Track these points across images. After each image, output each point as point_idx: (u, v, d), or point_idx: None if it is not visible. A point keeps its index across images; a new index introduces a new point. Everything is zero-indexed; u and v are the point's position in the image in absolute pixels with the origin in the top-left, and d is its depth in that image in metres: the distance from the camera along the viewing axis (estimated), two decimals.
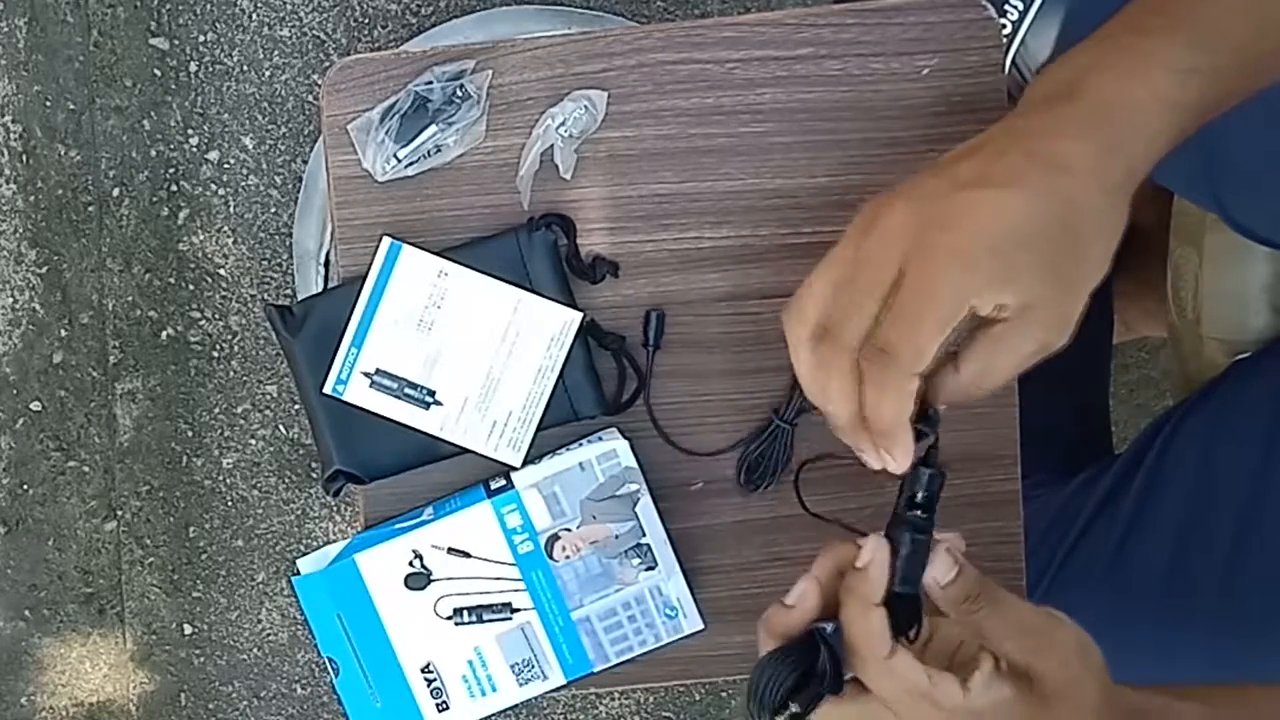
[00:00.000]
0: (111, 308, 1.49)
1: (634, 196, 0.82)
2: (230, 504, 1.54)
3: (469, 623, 0.81)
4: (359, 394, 0.81)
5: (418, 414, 0.81)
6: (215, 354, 1.50)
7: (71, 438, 1.53)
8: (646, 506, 0.80)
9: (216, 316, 1.50)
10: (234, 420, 1.52)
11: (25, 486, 1.54)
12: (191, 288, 1.49)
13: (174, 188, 1.47)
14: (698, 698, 1.59)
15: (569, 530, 0.80)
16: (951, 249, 0.60)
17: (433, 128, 0.80)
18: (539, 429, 0.81)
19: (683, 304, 0.83)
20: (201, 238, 1.48)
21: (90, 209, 1.48)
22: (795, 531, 0.84)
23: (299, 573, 0.82)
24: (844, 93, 0.81)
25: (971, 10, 0.80)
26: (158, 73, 1.45)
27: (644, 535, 0.80)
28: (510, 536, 0.80)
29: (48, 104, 1.46)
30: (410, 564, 0.80)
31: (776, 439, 0.82)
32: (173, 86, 1.45)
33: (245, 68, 1.45)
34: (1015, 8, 0.88)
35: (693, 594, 0.81)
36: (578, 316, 0.80)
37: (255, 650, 1.59)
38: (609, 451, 0.79)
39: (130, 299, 1.49)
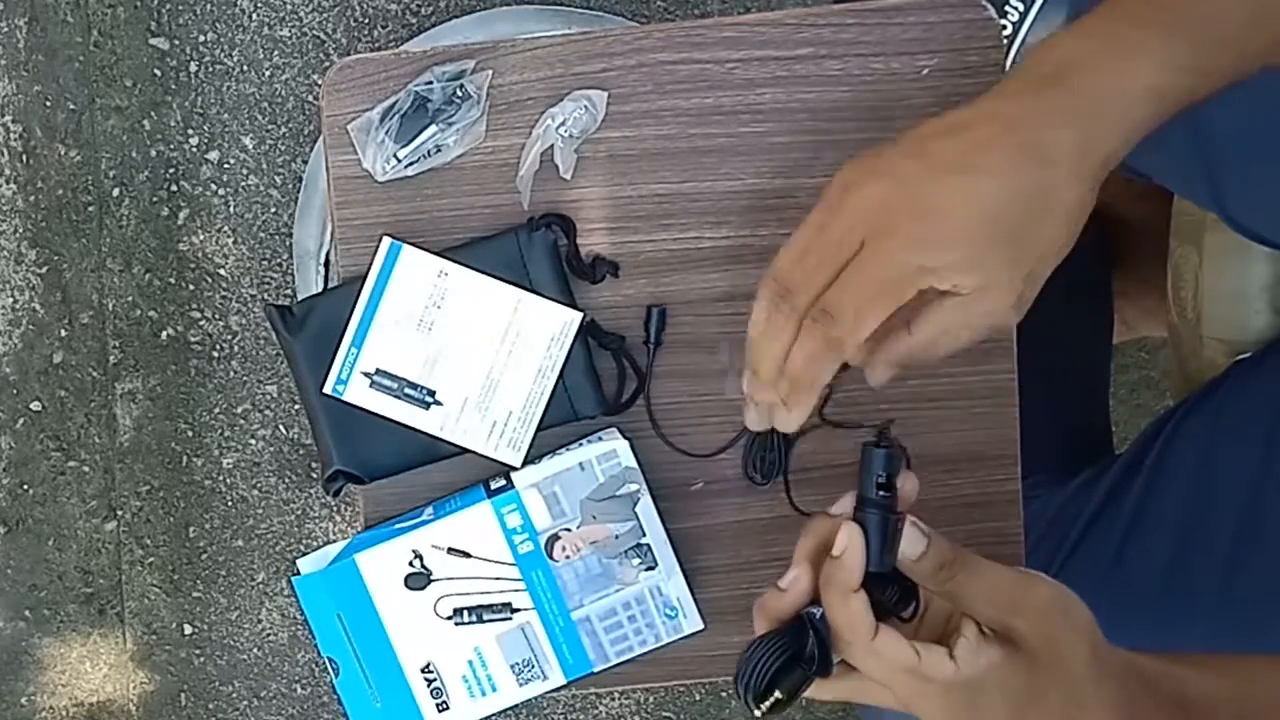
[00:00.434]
0: (111, 308, 1.49)
1: (634, 196, 0.82)
2: (230, 504, 1.54)
3: (469, 623, 0.81)
4: (359, 394, 0.81)
5: (418, 414, 0.81)
6: (215, 354, 1.50)
7: (71, 438, 1.53)
8: (646, 506, 0.80)
9: (216, 316, 1.49)
10: (234, 420, 1.52)
11: (25, 486, 1.54)
12: (191, 288, 1.49)
13: (174, 188, 1.47)
14: (698, 698, 1.59)
15: (569, 530, 0.80)
16: (916, 236, 0.62)
17: (433, 128, 0.80)
18: (539, 429, 0.81)
19: (683, 304, 0.83)
20: (201, 238, 1.48)
21: (90, 209, 1.48)
22: (795, 531, 0.83)
23: (299, 573, 0.82)
24: (844, 93, 0.81)
25: (971, 10, 0.80)
26: (158, 73, 1.45)
27: (644, 535, 0.80)
28: (510, 536, 0.80)
29: (48, 104, 1.46)
30: (410, 564, 0.80)
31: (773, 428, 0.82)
32: (173, 86, 1.45)
33: (245, 68, 1.45)
34: (1016, 8, 0.88)
35: (693, 594, 0.81)
36: (578, 316, 0.80)
37: (255, 650, 1.58)
38: (609, 451, 0.79)
39: (130, 299, 1.49)
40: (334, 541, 0.84)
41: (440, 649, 0.81)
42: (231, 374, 1.51)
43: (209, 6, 1.44)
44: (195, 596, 1.57)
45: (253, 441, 1.53)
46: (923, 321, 0.66)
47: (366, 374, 0.81)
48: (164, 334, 1.50)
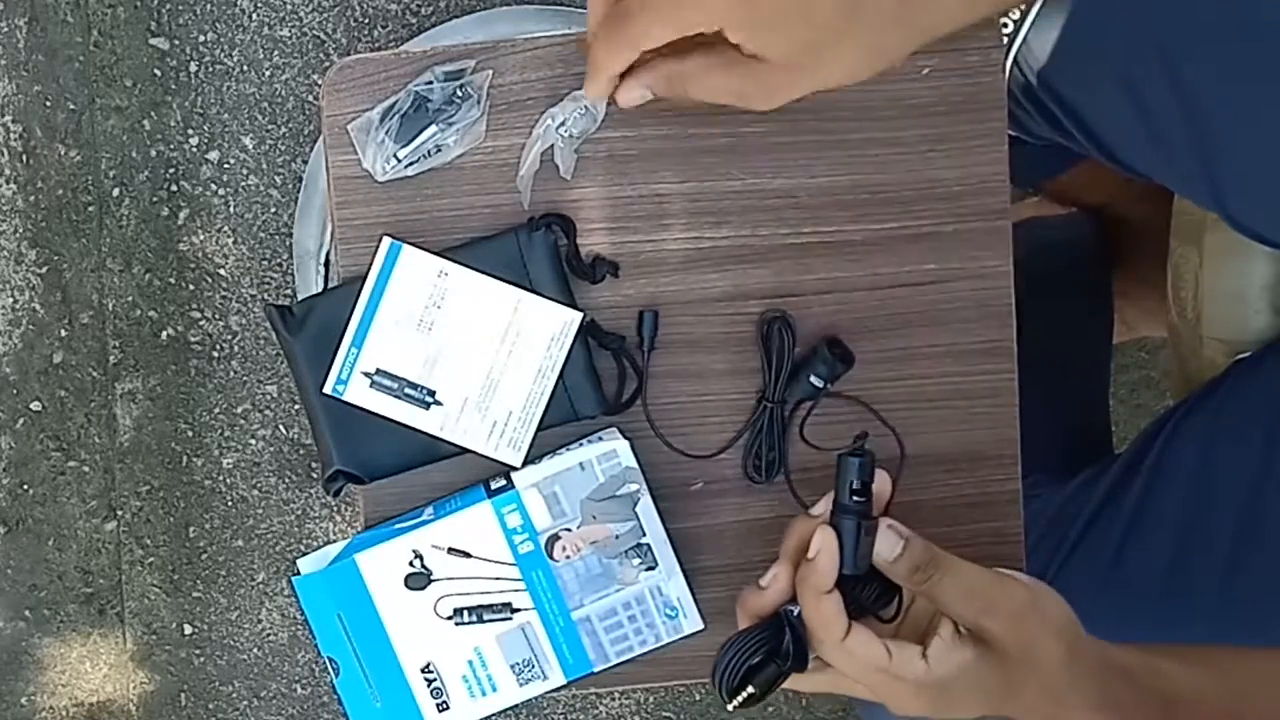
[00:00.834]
0: (111, 308, 1.49)
1: (634, 196, 0.82)
2: (230, 504, 1.54)
3: (469, 623, 0.81)
4: (359, 394, 0.81)
5: (418, 414, 0.81)
6: (215, 354, 1.50)
7: (71, 438, 1.53)
8: (646, 506, 0.80)
9: (216, 316, 1.49)
10: (234, 420, 1.52)
11: (25, 486, 1.54)
12: (191, 288, 1.49)
13: (174, 188, 1.47)
14: (698, 698, 1.59)
15: (569, 530, 0.80)
16: None
17: (433, 128, 0.80)
18: (539, 429, 0.81)
19: (682, 304, 0.83)
20: (201, 238, 1.48)
21: (90, 209, 1.48)
22: None
23: (299, 573, 0.81)
24: (844, 92, 0.81)
25: None
26: (158, 73, 1.45)
27: (644, 535, 0.80)
28: (510, 536, 0.80)
29: (48, 104, 1.46)
30: (410, 564, 0.80)
31: (772, 422, 0.82)
32: (173, 86, 1.45)
33: (245, 68, 1.45)
34: (1017, 7, 0.88)
35: (693, 594, 0.81)
36: (578, 316, 0.80)
37: (255, 650, 1.59)
38: (609, 451, 0.79)
39: (130, 299, 1.49)
40: (334, 541, 0.84)
41: (440, 649, 0.81)
42: (231, 374, 1.51)
43: (209, 6, 1.44)
44: (195, 596, 1.57)
45: (253, 441, 1.53)
46: (691, 60, 0.67)
47: (367, 374, 0.80)
48: (164, 334, 1.50)
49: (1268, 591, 0.86)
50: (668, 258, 0.82)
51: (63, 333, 1.50)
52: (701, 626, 0.82)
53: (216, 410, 1.52)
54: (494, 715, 0.83)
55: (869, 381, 0.83)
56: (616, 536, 0.80)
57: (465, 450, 0.82)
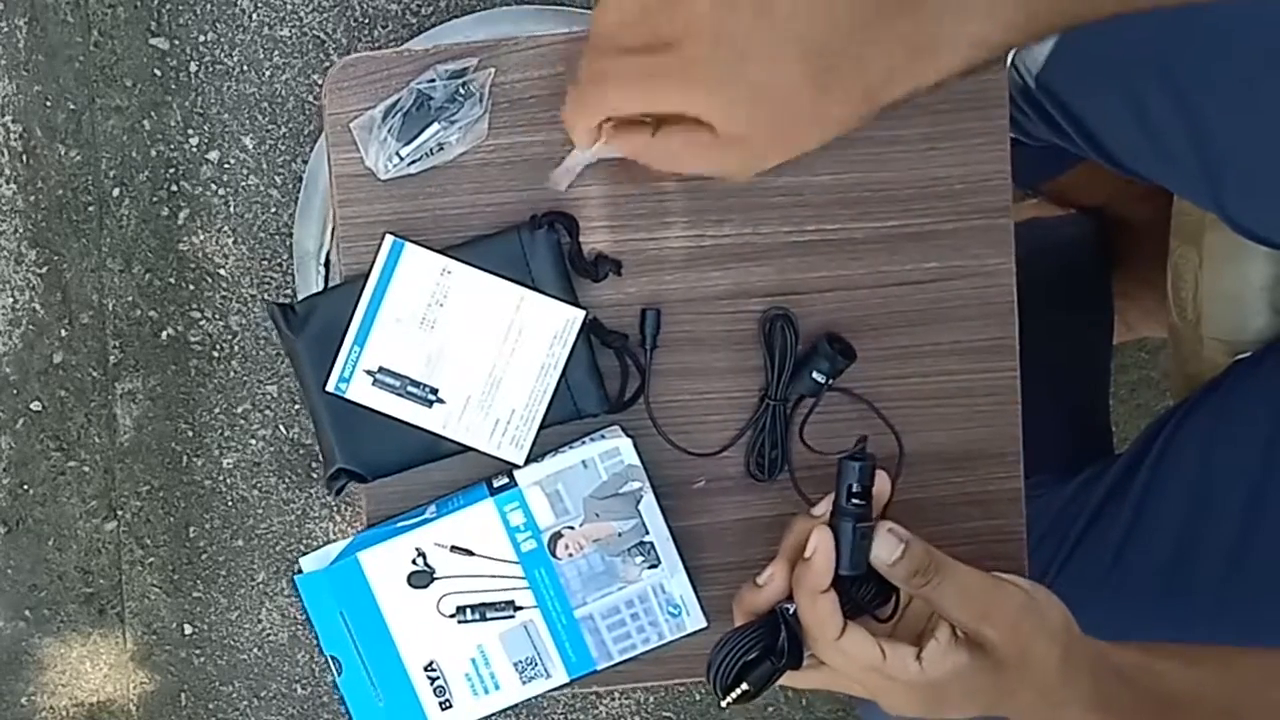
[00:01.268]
0: (111, 308, 1.49)
1: (636, 194, 0.82)
2: (230, 504, 1.54)
3: (472, 621, 0.81)
4: (362, 392, 0.81)
5: (420, 412, 0.81)
6: (215, 354, 1.50)
7: (72, 438, 1.53)
8: (649, 504, 0.80)
9: (216, 316, 1.49)
10: (234, 420, 1.52)
11: (25, 486, 1.54)
12: (191, 288, 1.49)
13: (174, 188, 1.47)
14: (698, 697, 1.59)
15: (572, 528, 0.80)
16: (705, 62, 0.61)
17: (435, 126, 0.80)
18: (542, 427, 0.81)
19: (685, 302, 0.83)
20: (201, 238, 1.48)
21: (90, 209, 1.48)
22: None
23: (301, 571, 0.81)
24: None
25: None
26: (158, 73, 1.45)
27: (647, 533, 0.80)
28: (513, 534, 0.80)
29: (48, 104, 1.46)
30: (413, 562, 0.80)
31: (774, 420, 0.82)
32: (173, 86, 1.45)
33: (245, 68, 1.45)
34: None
35: (696, 592, 0.81)
36: (580, 314, 0.80)
37: (255, 650, 1.58)
38: (612, 449, 0.79)
39: (130, 299, 1.49)
40: (334, 541, 0.84)
41: (443, 647, 0.81)
42: (231, 374, 1.51)
43: (209, 6, 1.44)
44: (195, 596, 1.57)
45: (253, 441, 1.53)
46: (665, 132, 0.66)
47: (369, 372, 0.80)
48: (164, 334, 1.50)
49: (1268, 591, 0.86)
50: (670, 256, 0.83)
51: (63, 333, 1.50)
52: (704, 624, 0.82)
53: (216, 410, 1.52)
54: (495, 714, 0.83)
55: (871, 379, 0.83)
56: (619, 534, 0.80)
57: (468, 448, 0.82)
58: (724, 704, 0.72)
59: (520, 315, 0.80)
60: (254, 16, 1.44)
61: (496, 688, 0.82)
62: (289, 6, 1.44)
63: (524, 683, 0.82)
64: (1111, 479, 0.97)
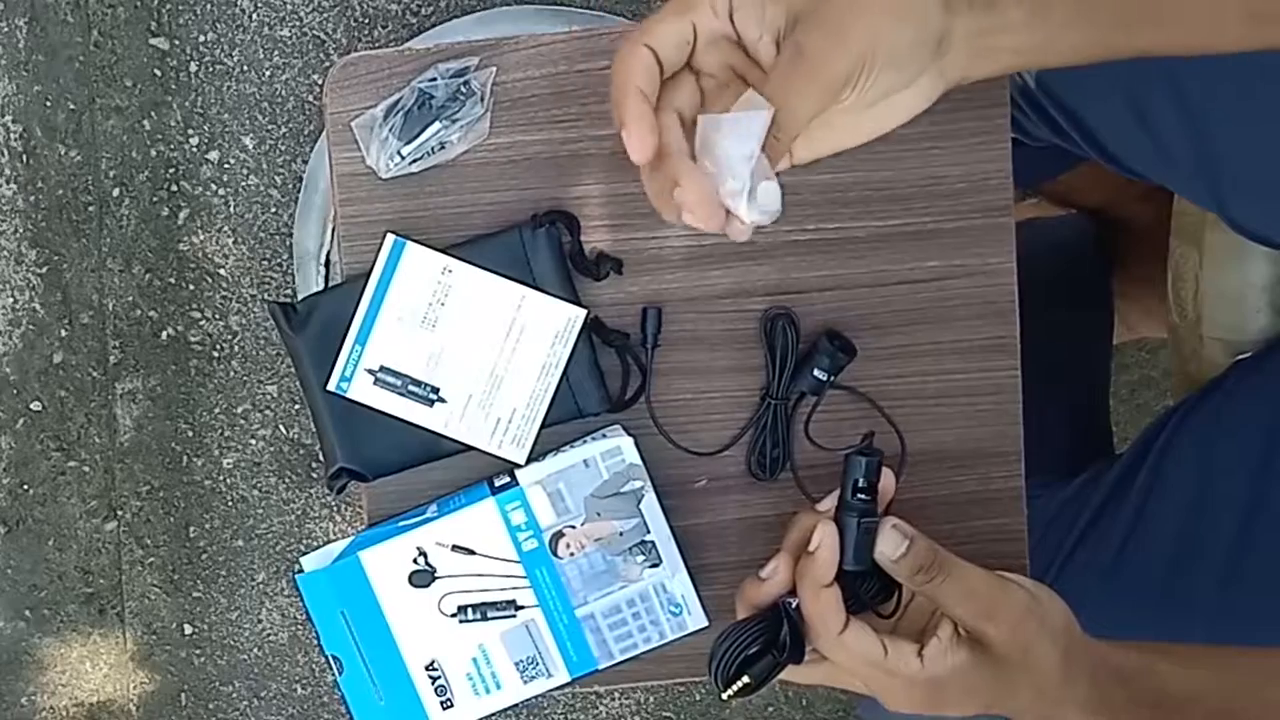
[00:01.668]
0: (112, 308, 1.49)
1: (637, 193, 0.81)
2: (230, 504, 1.54)
3: (473, 620, 0.81)
4: (363, 391, 0.81)
5: (421, 411, 0.81)
6: (215, 354, 1.50)
7: (72, 438, 1.53)
8: (651, 503, 0.80)
9: (217, 316, 1.49)
10: (234, 420, 1.52)
11: (25, 486, 1.54)
12: (192, 288, 1.49)
13: (174, 188, 1.47)
14: (699, 697, 1.59)
15: (573, 527, 0.80)
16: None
17: (436, 125, 0.80)
18: (543, 426, 0.81)
19: (686, 301, 0.83)
20: (201, 238, 1.48)
21: (90, 209, 1.48)
22: None
23: (302, 570, 0.81)
24: None
25: None
26: (158, 73, 1.45)
27: (648, 532, 0.80)
28: (514, 533, 0.80)
29: (48, 104, 1.46)
30: (414, 561, 0.80)
31: (775, 419, 0.82)
32: (173, 86, 1.45)
33: (245, 68, 1.45)
34: None
35: (697, 591, 0.81)
36: (581, 313, 0.80)
37: (255, 650, 1.58)
38: (613, 448, 0.79)
39: (130, 299, 1.49)
40: (335, 541, 0.84)
41: (444, 646, 0.81)
42: (232, 374, 1.51)
43: (209, 6, 1.44)
44: (195, 596, 1.57)
45: (253, 441, 1.52)
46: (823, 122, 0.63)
47: (370, 371, 0.81)
48: (164, 334, 1.50)
49: (1268, 591, 0.86)
50: (671, 255, 0.83)
51: (63, 333, 1.50)
52: (706, 623, 0.82)
53: (217, 410, 1.52)
54: (497, 714, 0.83)
55: (872, 378, 0.83)
56: (620, 533, 0.80)
57: (469, 447, 0.82)
58: (724, 696, 0.72)
59: (521, 314, 0.80)
60: (254, 16, 1.44)
61: (498, 687, 0.82)
62: (289, 6, 1.44)
63: (525, 682, 0.82)
64: (1112, 479, 0.97)
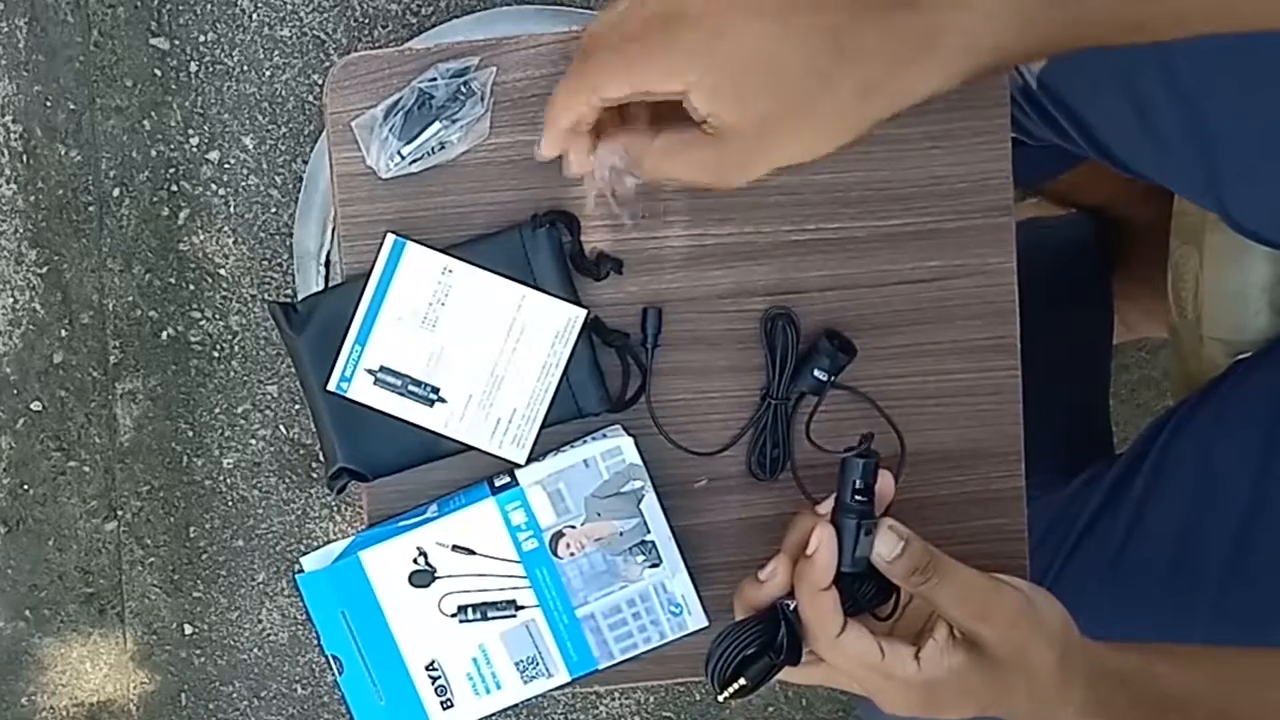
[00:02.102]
0: (112, 308, 1.49)
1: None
2: (230, 504, 1.54)
3: (473, 620, 0.81)
4: (363, 391, 0.81)
5: (422, 411, 0.81)
6: (216, 354, 1.50)
7: (72, 438, 1.53)
8: (651, 503, 0.80)
9: (217, 316, 1.49)
10: (234, 420, 1.52)
11: (26, 486, 1.54)
12: (192, 288, 1.49)
13: (174, 188, 1.47)
14: (698, 697, 1.59)
15: (573, 527, 0.80)
16: (687, 44, 0.60)
17: (437, 124, 0.80)
18: (543, 426, 0.81)
19: (686, 301, 0.83)
20: (202, 238, 1.48)
21: (90, 209, 1.48)
22: None
23: (302, 570, 0.81)
24: None
25: None
26: (158, 73, 1.45)
27: (648, 532, 0.80)
28: (515, 533, 0.80)
29: (48, 104, 1.46)
30: (414, 561, 0.80)
31: (775, 419, 0.82)
32: (173, 86, 1.45)
33: (245, 68, 1.45)
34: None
35: (697, 591, 0.81)
36: (581, 313, 0.80)
37: (256, 650, 1.58)
38: (613, 448, 0.79)
39: (130, 299, 1.49)
40: (335, 541, 0.84)
41: (445, 646, 0.81)
42: (232, 374, 1.51)
43: (209, 6, 1.44)
44: (195, 596, 1.57)
45: (253, 441, 1.53)
46: (666, 137, 0.64)
47: (370, 371, 0.80)
48: (164, 334, 1.50)
49: (1268, 592, 0.86)
50: (671, 255, 0.83)
51: (63, 333, 1.50)
52: (706, 623, 0.82)
53: (217, 410, 1.52)
54: (497, 713, 0.83)
55: (873, 378, 0.83)
56: (621, 533, 0.80)
57: (469, 447, 0.82)
58: (721, 698, 0.72)
59: (522, 314, 0.80)
60: (254, 16, 1.44)
61: (498, 687, 0.82)
62: (289, 6, 1.44)
63: (525, 682, 0.82)
64: (1112, 479, 0.97)
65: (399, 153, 0.80)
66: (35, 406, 1.52)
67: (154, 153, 1.46)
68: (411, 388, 0.81)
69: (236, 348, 1.50)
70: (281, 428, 1.52)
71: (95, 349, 1.51)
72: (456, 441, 0.81)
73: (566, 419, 0.82)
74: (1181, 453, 0.93)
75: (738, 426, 0.84)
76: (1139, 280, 1.24)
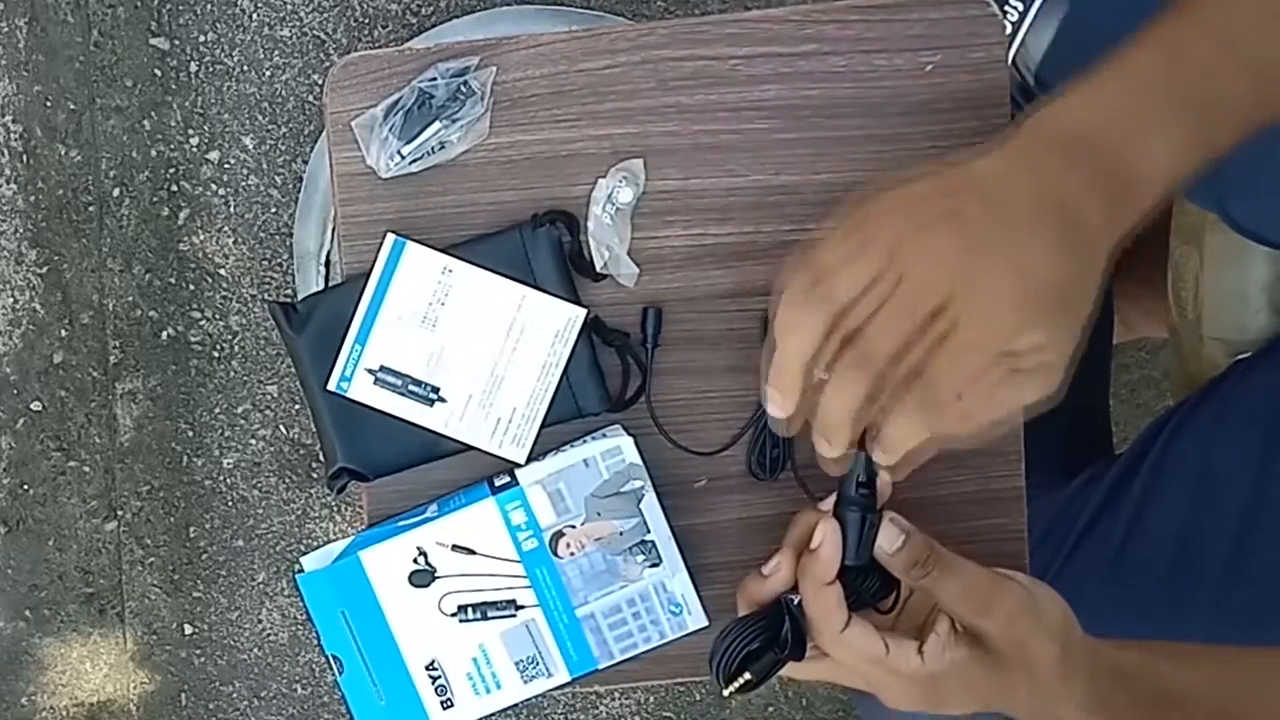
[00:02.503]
0: (112, 308, 1.49)
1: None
2: (230, 504, 1.54)
3: (473, 620, 0.81)
4: (363, 391, 0.81)
5: (422, 411, 0.81)
6: (216, 354, 1.50)
7: (72, 438, 1.53)
8: (651, 503, 0.80)
9: (217, 316, 1.49)
10: (234, 420, 1.52)
11: (26, 486, 1.54)
12: (192, 288, 1.49)
13: (174, 188, 1.47)
14: (698, 697, 1.59)
15: (573, 527, 0.80)
16: (1009, 298, 0.61)
17: (436, 124, 0.80)
18: (543, 426, 0.81)
19: (686, 300, 0.83)
20: (202, 238, 1.48)
21: (90, 209, 1.48)
22: None
23: (302, 570, 0.81)
24: (847, 89, 0.81)
25: (975, 7, 0.80)
26: (158, 73, 1.45)
27: (648, 532, 0.80)
28: (515, 533, 0.80)
29: (48, 104, 1.46)
30: (414, 561, 0.80)
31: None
32: (173, 86, 1.45)
33: (245, 68, 1.45)
34: (1015, 8, 0.88)
35: (697, 591, 0.81)
36: (581, 313, 0.80)
37: (255, 650, 1.58)
38: (613, 448, 0.79)
39: (130, 299, 1.49)
40: (335, 540, 0.84)
41: (445, 646, 0.81)
42: (232, 374, 1.51)
43: (209, 6, 1.44)
44: (195, 596, 1.57)
45: (253, 441, 1.53)
46: (987, 399, 0.63)
47: (370, 371, 0.81)
48: (164, 334, 1.50)
49: (1268, 591, 0.86)
50: (671, 254, 0.83)
51: (63, 333, 1.50)
52: (706, 623, 0.82)
53: (217, 410, 1.52)
54: (497, 713, 0.83)
55: None
56: (621, 533, 0.80)
57: (469, 447, 0.82)
58: (725, 693, 0.72)
59: (521, 314, 0.80)
60: (254, 16, 1.44)
61: (498, 687, 0.82)
62: (289, 6, 1.44)
63: (525, 682, 0.82)
64: (1112, 479, 0.97)
65: (399, 152, 0.80)
66: (35, 406, 1.52)
67: (154, 153, 1.46)
68: (411, 387, 0.81)
69: (236, 348, 1.50)
70: (281, 428, 1.52)
71: (95, 349, 1.51)
72: (456, 441, 0.81)
73: (566, 419, 0.82)
74: (1181, 453, 0.93)
75: (738, 426, 0.84)
76: (1139, 280, 1.24)
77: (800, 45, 0.81)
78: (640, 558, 0.80)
